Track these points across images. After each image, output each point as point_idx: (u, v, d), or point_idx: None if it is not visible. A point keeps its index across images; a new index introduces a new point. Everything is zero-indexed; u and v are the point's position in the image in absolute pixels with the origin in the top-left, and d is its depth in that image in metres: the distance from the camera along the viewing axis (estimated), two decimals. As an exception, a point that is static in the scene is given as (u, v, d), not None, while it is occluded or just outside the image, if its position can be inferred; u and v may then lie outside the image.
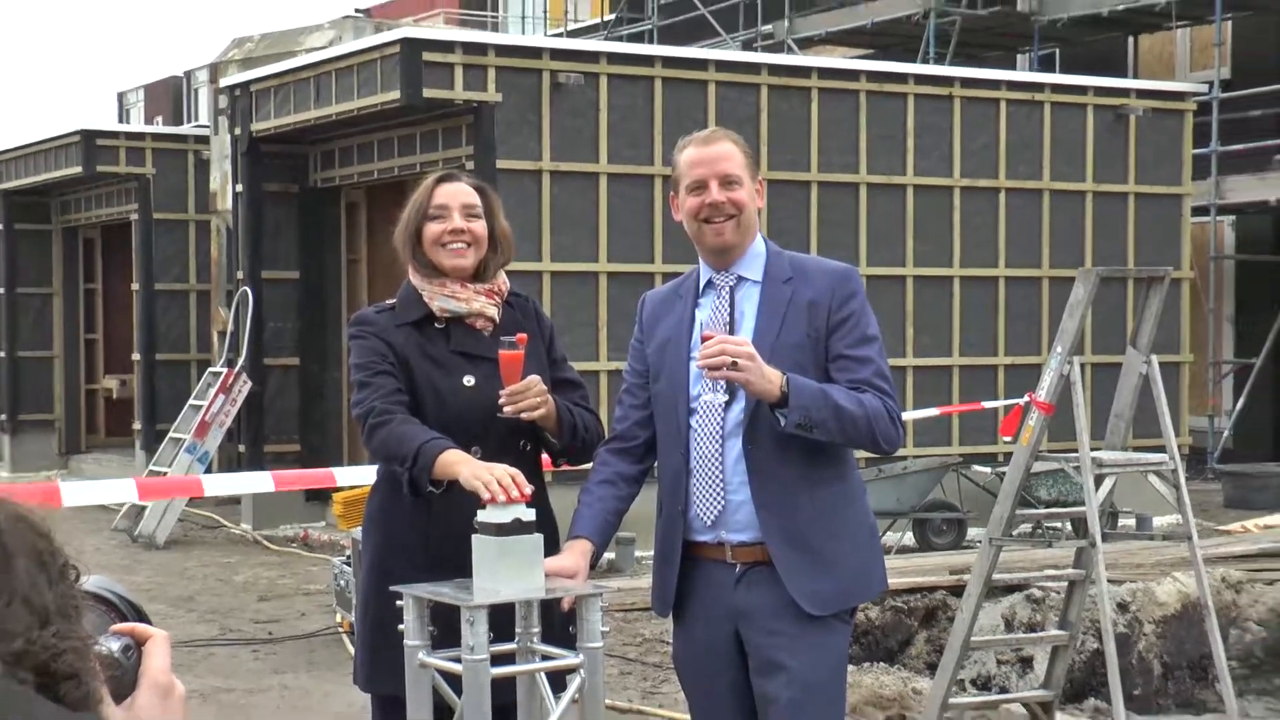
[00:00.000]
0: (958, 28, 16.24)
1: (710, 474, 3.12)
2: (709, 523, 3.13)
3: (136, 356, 14.71)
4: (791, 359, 3.08)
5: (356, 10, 25.95)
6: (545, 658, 3.13)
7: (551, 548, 3.16)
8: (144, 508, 11.30)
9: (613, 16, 21.09)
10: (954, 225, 11.83)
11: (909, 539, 10.47)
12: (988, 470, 10.70)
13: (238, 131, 12.15)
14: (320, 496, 11.55)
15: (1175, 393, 11.52)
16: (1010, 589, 7.43)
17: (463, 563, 3.02)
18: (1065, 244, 12.20)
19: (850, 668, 3.37)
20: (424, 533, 3.25)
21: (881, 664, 7.10)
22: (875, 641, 7.43)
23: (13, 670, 1.12)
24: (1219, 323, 15.30)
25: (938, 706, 5.43)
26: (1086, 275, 5.44)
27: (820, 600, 3.09)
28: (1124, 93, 12.75)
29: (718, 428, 3.12)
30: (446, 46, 10.47)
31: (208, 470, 12.00)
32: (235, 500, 12.18)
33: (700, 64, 11.22)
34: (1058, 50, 17.04)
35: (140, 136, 15.31)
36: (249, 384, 11.94)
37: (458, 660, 2.97)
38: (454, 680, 3.03)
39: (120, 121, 31.97)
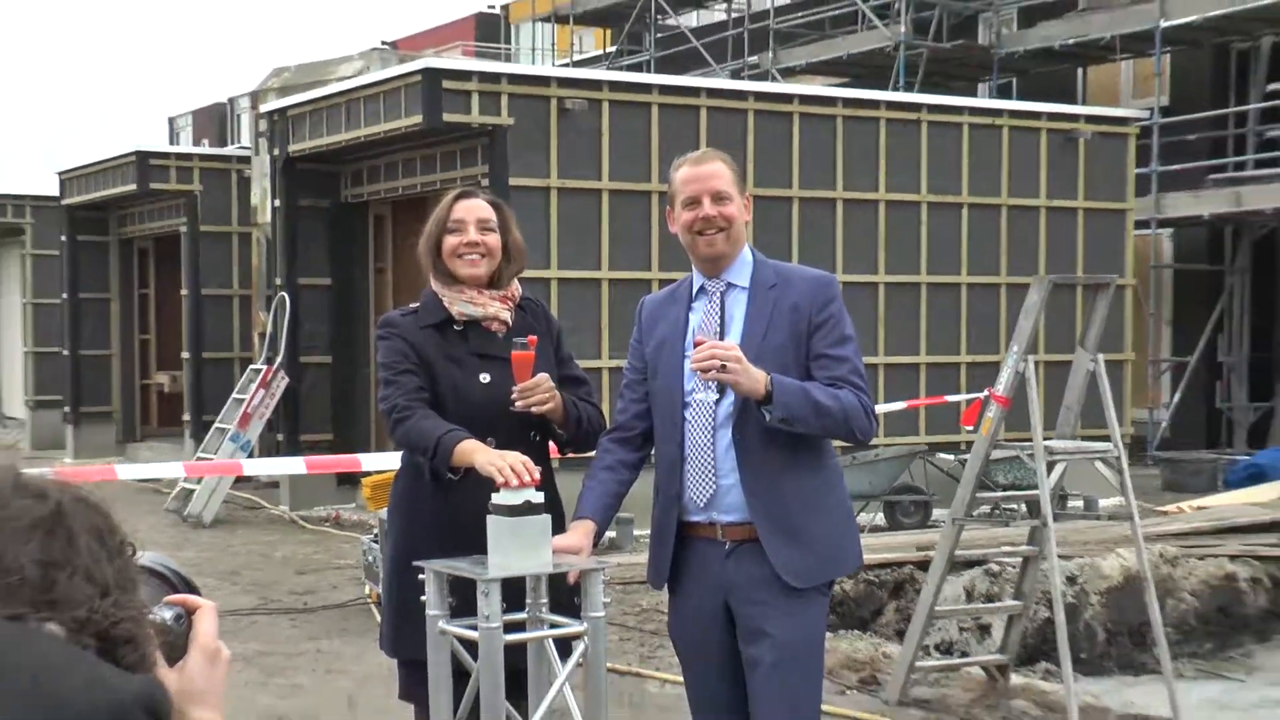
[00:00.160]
0: (924, 59, 16.24)
1: (703, 461, 3.12)
2: (701, 505, 3.13)
3: (185, 355, 14.69)
4: (776, 358, 3.07)
5: (383, 43, 25.91)
6: (553, 626, 3.13)
7: (558, 527, 3.16)
8: (192, 491, 11.29)
9: (614, 49, 21.06)
10: (921, 237, 11.82)
11: (880, 519, 10.47)
12: (951, 457, 10.71)
13: (276, 152, 12.13)
14: (350, 481, 11.53)
15: (1119, 388, 11.52)
16: (971, 564, 7.43)
17: (479, 540, 3.02)
18: (1021, 254, 12.20)
19: (828, 634, 3.36)
20: (444, 513, 3.25)
21: (855, 631, 7.10)
22: (850, 611, 7.42)
23: (76, 636, 1.13)
24: (1158, 325, 15.30)
25: (905, 669, 5.43)
26: (1040, 282, 5.44)
27: (801, 574, 3.08)
28: (1073, 118, 12.75)
29: (709, 420, 3.12)
30: (464, 75, 10.46)
31: (249, 457, 12.00)
32: (274, 484, 12.16)
33: (693, 91, 11.20)
34: (1014, 80, 17.03)
35: (189, 157, 15.30)
36: (286, 380, 11.93)
37: (474, 628, 2.97)
38: (470, 646, 3.02)
39: (171, 143, 31.92)
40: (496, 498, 2.99)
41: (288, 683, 5.95)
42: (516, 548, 2.97)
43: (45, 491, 1.18)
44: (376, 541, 6.68)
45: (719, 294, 3.19)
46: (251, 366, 12.57)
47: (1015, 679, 5.78)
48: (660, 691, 5.63)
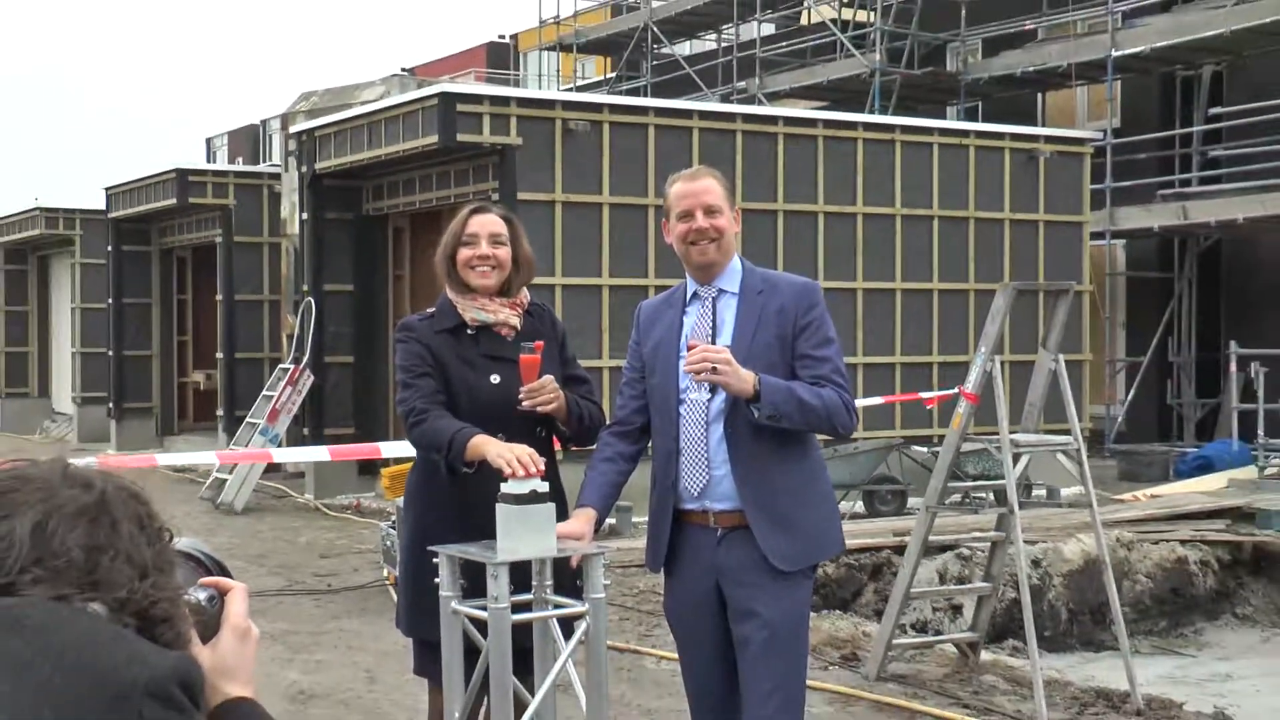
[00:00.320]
0: (898, 85, 16.22)
1: (697, 454, 3.09)
2: (695, 494, 3.10)
3: (219, 355, 14.65)
4: (764, 358, 3.05)
5: (402, 69, 25.88)
6: (557, 606, 3.10)
7: (561, 514, 3.13)
8: (224, 481, 11.25)
9: (614, 75, 21.04)
10: (896, 247, 11.79)
11: (859, 507, 10.44)
12: (924, 450, 10.68)
13: (304, 170, 12.10)
14: (370, 471, 11.50)
15: (1078, 386, 11.49)
16: (943, 549, 7.41)
17: (488, 526, 2.99)
18: (987, 263, 12.17)
19: (811, 614, 3.33)
20: (457, 502, 3.23)
21: (837, 611, 7.07)
22: (832, 592, 7.40)
23: (117, 615, 1.13)
24: (1113, 328, 15.28)
25: (883, 646, 5.39)
26: (1005, 288, 5.41)
27: (788, 558, 3.05)
28: (1034, 139, 12.73)
29: (703, 416, 3.09)
30: (476, 99, 10.42)
31: (277, 449, 11.96)
32: (300, 474, 12.12)
33: (686, 114, 11.17)
34: (979, 104, 17.02)
35: (224, 174, 15.27)
36: (312, 378, 11.89)
37: (484, 608, 2.94)
38: (480, 625, 3.00)
39: (208, 161, 31.89)
40: (505, 487, 2.97)
41: (311, 659, 5.91)
42: (523, 534, 2.95)
43: (91, 481, 1.18)
44: (394, 528, 6.65)
45: (711, 299, 3.17)
46: (280, 366, 12.53)
47: (985, 655, 5.75)
48: (657, 668, 5.59)
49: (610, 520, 8.78)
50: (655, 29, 19.11)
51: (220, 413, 14.55)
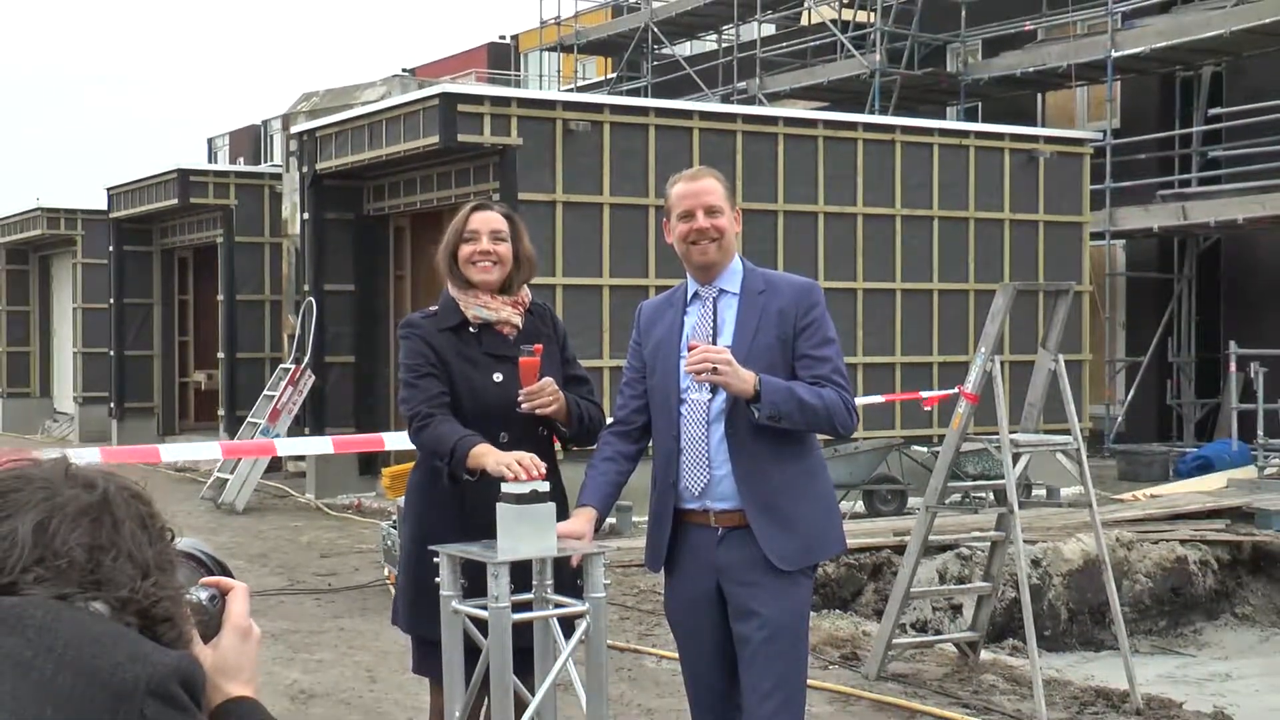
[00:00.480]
0: (898, 85, 16.22)
1: (697, 453, 3.09)
2: (696, 493, 3.09)
3: (221, 355, 14.65)
4: (765, 358, 3.05)
5: (403, 69, 25.88)
6: (557, 605, 3.10)
7: (562, 513, 3.13)
8: (226, 481, 11.25)
9: (614, 75, 21.04)
10: (896, 247, 11.79)
11: (860, 507, 10.43)
12: (924, 449, 10.68)
13: (305, 170, 12.10)
14: (371, 471, 11.50)
15: (1078, 385, 11.49)
16: (943, 548, 7.41)
17: (489, 526, 3.00)
18: (987, 263, 12.17)
19: (811, 614, 3.33)
20: (459, 501, 3.23)
21: (837, 611, 7.07)
22: (832, 592, 7.39)
23: (119, 614, 1.13)
24: (1113, 328, 15.28)
25: (883, 645, 5.39)
26: (1005, 289, 5.41)
27: (788, 557, 3.05)
28: (1034, 139, 12.73)
29: (703, 416, 3.09)
30: (477, 100, 10.42)
31: (278, 449, 11.95)
32: (301, 475, 12.12)
33: (686, 114, 11.17)
34: (979, 104, 17.02)
35: (225, 174, 15.27)
36: (312, 378, 11.89)
37: (484, 608, 2.94)
38: (481, 624, 3.00)
39: (209, 162, 31.88)
40: (506, 487, 2.97)
41: (312, 658, 5.91)
42: (524, 533, 2.94)
43: (93, 481, 1.18)
44: (395, 527, 6.65)
45: (712, 299, 3.16)
46: (281, 366, 12.53)
47: (985, 655, 5.75)
48: (657, 667, 5.59)
49: (610, 520, 8.77)
50: (656, 29, 19.11)
51: (221, 413, 14.55)
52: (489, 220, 3.35)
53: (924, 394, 11.23)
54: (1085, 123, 16.06)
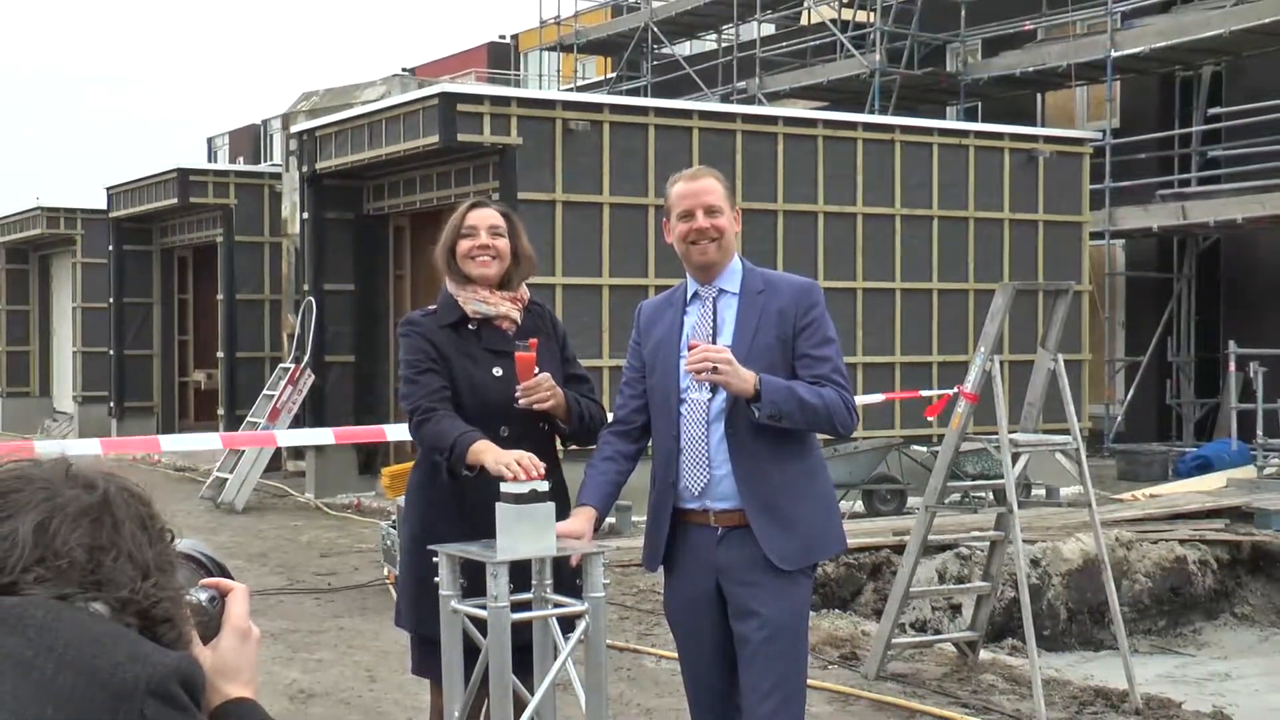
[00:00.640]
0: (897, 85, 16.22)
1: (697, 453, 3.09)
2: (696, 493, 3.09)
3: (220, 354, 14.64)
4: (765, 358, 3.05)
5: (403, 69, 25.87)
6: (556, 605, 3.10)
7: (563, 513, 3.13)
8: (225, 480, 11.25)
9: (614, 75, 21.04)
10: (895, 247, 11.79)
11: (859, 506, 10.43)
12: (924, 449, 10.68)
13: (305, 169, 12.10)
14: (370, 470, 11.50)
15: (1077, 385, 11.49)
16: (943, 548, 7.41)
17: (489, 525, 3.00)
18: (986, 262, 12.17)
19: (811, 614, 3.33)
20: (459, 500, 3.23)
21: (836, 610, 7.07)
22: (832, 592, 7.39)
23: (119, 614, 1.13)
24: (1113, 328, 15.28)
25: (883, 645, 5.39)
26: (1004, 288, 5.41)
27: (788, 557, 3.05)
28: (1033, 139, 12.73)
29: (703, 415, 3.09)
30: (476, 99, 10.42)
31: (276, 451, 11.97)
32: (300, 474, 12.12)
33: (686, 114, 11.17)
34: (979, 104, 17.02)
35: (225, 174, 15.27)
36: (312, 377, 11.89)
37: (484, 607, 2.94)
38: (480, 623, 3.00)
39: (209, 161, 31.87)
40: (505, 487, 2.97)
41: (312, 658, 5.91)
42: (523, 533, 2.94)
43: (94, 482, 1.18)
44: (394, 526, 6.65)
45: (711, 299, 3.17)
46: (281, 365, 12.53)
47: (984, 655, 5.75)
48: (656, 667, 5.59)
49: (610, 519, 8.77)
50: (655, 29, 19.11)
51: (221, 412, 14.55)
52: (487, 216, 3.37)
53: (923, 393, 11.22)
54: (1085, 122, 16.06)
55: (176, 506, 10.74)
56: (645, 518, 3.29)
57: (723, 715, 3.16)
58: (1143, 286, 15.31)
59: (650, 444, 3.24)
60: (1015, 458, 5.25)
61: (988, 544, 5.82)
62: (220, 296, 14.57)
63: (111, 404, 16.43)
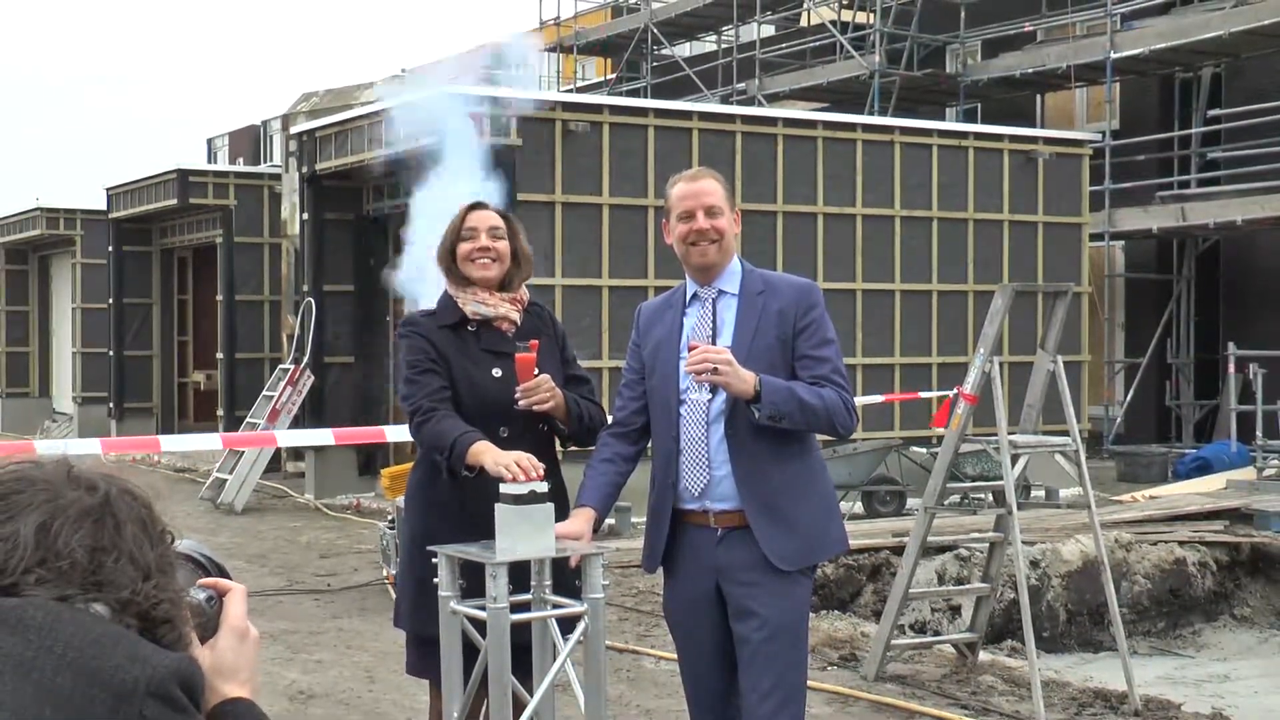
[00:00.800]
0: (897, 86, 16.22)
1: (697, 454, 3.09)
2: (696, 494, 3.09)
3: (220, 355, 14.64)
4: (764, 359, 3.05)
5: (403, 70, 25.83)
6: (556, 606, 3.10)
7: (562, 512, 3.14)
8: (225, 481, 11.25)
9: (614, 76, 21.05)
10: (895, 248, 11.80)
11: (859, 508, 10.43)
12: (923, 450, 10.69)
13: (304, 170, 12.10)
14: (370, 471, 11.50)
15: (1076, 387, 11.50)
16: (942, 549, 7.41)
17: (489, 524, 3.00)
18: (986, 264, 12.18)
19: (810, 615, 3.33)
20: (458, 501, 3.24)
21: (836, 612, 7.07)
22: (831, 593, 7.39)
23: (120, 616, 1.13)
24: (1112, 329, 15.29)
25: (882, 647, 5.39)
26: (1004, 290, 5.41)
27: (787, 557, 3.05)
28: (1033, 140, 12.73)
29: (703, 416, 3.09)
30: (476, 100, 10.42)
31: (276, 452, 11.97)
32: (300, 475, 12.12)
33: (686, 115, 11.17)
34: (979, 105, 17.02)
35: (225, 174, 15.27)
36: (312, 378, 11.89)
37: (483, 608, 2.95)
38: (479, 624, 3.00)
39: (209, 162, 31.86)
40: (504, 488, 2.97)
41: (311, 658, 5.90)
42: (522, 534, 2.95)
43: (96, 483, 1.19)
44: (393, 527, 6.64)
45: (711, 300, 3.17)
46: (280, 366, 12.53)
47: (983, 656, 5.75)
48: (655, 668, 5.59)
49: (610, 520, 8.77)
50: (655, 30, 19.11)
51: (220, 413, 14.55)
52: (486, 218, 3.37)
53: (923, 394, 11.22)
54: (1084, 124, 16.07)
55: (176, 507, 10.66)
56: (645, 519, 3.29)
57: (722, 716, 3.16)
58: (1142, 288, 15.32)
59: (650, 445, 3.24)
60: (1015, 459, 5.25)
61: (987, 545, 5.82)
62: (220, 297, 14.57)
63: (111, 405, 16.43)
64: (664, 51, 19.92)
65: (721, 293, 3.16)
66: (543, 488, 2.97)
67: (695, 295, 3.19)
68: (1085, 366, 12.62)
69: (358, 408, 12.10)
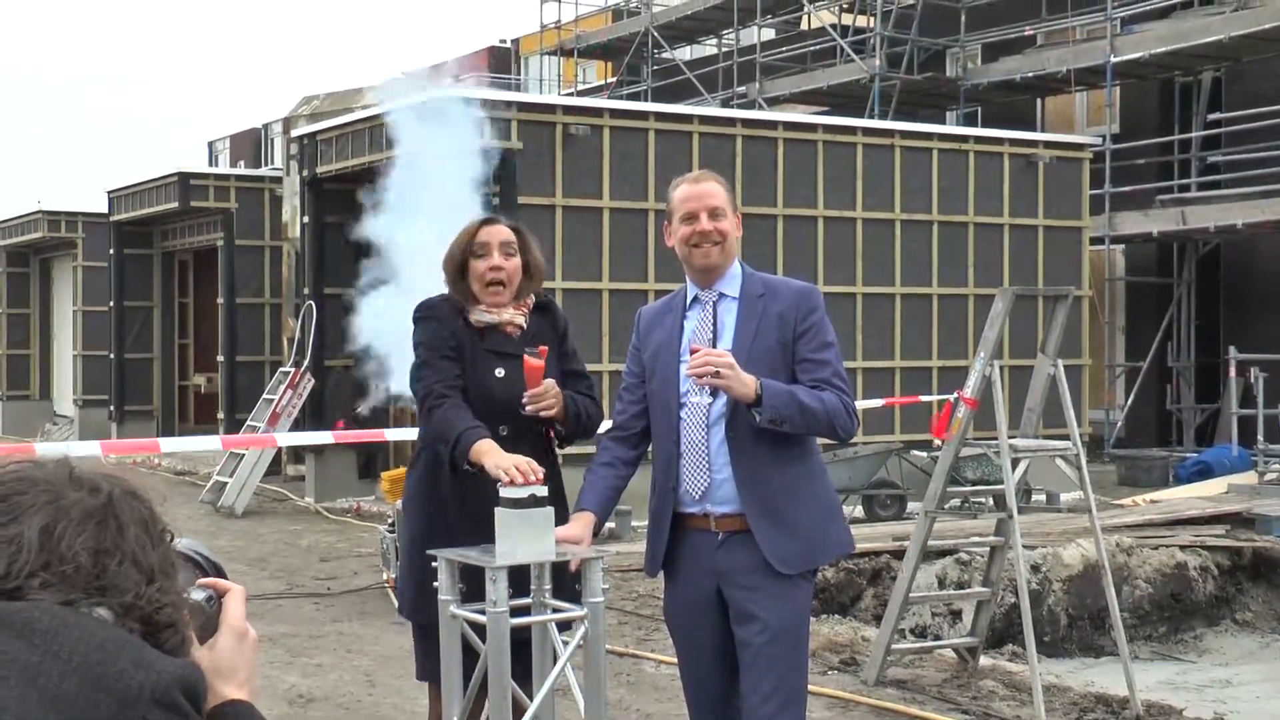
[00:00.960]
0: (897, 90, 16.22)
1: (698, 457, 3.08)
2: (697, 497, 3.09)
3: (220, 358, 14.64)
4: (765, 362, 3.04)
5: (404, 73, 25.83)
6: (556, 610, 3.09)
7: (561, 516, 3.13)
8: (225, 484, 11.24)
9: (614, 79, 21.06)
10: (895, 252, 11.79)
11: (859, 511, 10.42)
12: (924, 454, 10.67)
13: (305, 173, 12.10)
14: (370, 474, 11.49)
15: (1077, 390, 11.48)
16: (942, 553, 7.40)
17: (488, 519, 2.99)
18: (986, 267, 12.17)
19: (810, 619, 3.32)
20: (456, 504, 3.24)
21: (836, 615, 7.06)
22: (831, 597, 7.38)
23: (123, 620, 1.12)
24: (1112, 333, 15.28)
25: (882, 651, 5.38)
26: (1004, 293, 5.41)
27: (788, 560, 3.05)
28: (1033, 144, 12.73)
29: (703, 419, 3.09)
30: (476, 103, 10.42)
31: (276, 455, 11.97)
32: (300, 478, 12.11)
33: (686, 118, 11.17)
34: (979, 109, 17.02)
35: (226, 178, 15.28)
36: (312, 381, 11.88)
37: (483, 612, 2.94)
38: (479, 627, 2.99)
39: (210, 165, 31.87)
40: (504, 491, 2.96)
41: (311, 662, 5.89)
42: (522, 537, 2.94)
43: (98, 484, 1.18)
44: (393, 530, 6.63)
45: (711, 304, 3.16)
46: (281, 369, 12.52)
47: (984, 660, 5.73)
48: (656, 671, 5.58)
49: (610, 524, 8.76)
50: (656, 34, 19.12)
51: (221, 416, 14.54)
52: (498, 233, 3.35)
53: (923, 398, 11.21)
54: (1085, 128, 16.06)
55: (176, 510, 10.72)
56: (645, 522, 3.28)
57: (723, 718, 3.15)
58: (1143, 291, 15.31)
59: (650, 449, 3.24)
60: (1015, 463, 5.24)
61: (988, 549, 5.81)
62: (220, 300, 14.57)
63: (112, 408, 16.42)
64: (664, 55, 19.93)
65: (722, 296, 3.16)
66: (542, 491, 2.96)
67: (695, 298, 3.19)
68: (1086, 370, 12.61)
69: (358, 410, 12.08)
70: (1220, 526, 8.72)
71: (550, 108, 10.73)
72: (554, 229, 10.30)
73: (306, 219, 12.13)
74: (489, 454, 3.04)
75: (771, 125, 11.50)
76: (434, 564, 3.07)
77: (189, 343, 16.81)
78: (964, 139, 12.33)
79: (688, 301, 3.20)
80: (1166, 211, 14.17)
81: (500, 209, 9.85)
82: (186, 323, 16.81)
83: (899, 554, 7.01)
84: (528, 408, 3.19)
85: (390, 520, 6.84)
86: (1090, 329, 13.10)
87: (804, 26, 19.79)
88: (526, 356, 3.19)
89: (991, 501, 9.96)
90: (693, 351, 2.99)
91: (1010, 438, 5.14)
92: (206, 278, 16.16)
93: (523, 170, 10.26)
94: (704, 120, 11.17)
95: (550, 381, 3.21)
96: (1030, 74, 15.41)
